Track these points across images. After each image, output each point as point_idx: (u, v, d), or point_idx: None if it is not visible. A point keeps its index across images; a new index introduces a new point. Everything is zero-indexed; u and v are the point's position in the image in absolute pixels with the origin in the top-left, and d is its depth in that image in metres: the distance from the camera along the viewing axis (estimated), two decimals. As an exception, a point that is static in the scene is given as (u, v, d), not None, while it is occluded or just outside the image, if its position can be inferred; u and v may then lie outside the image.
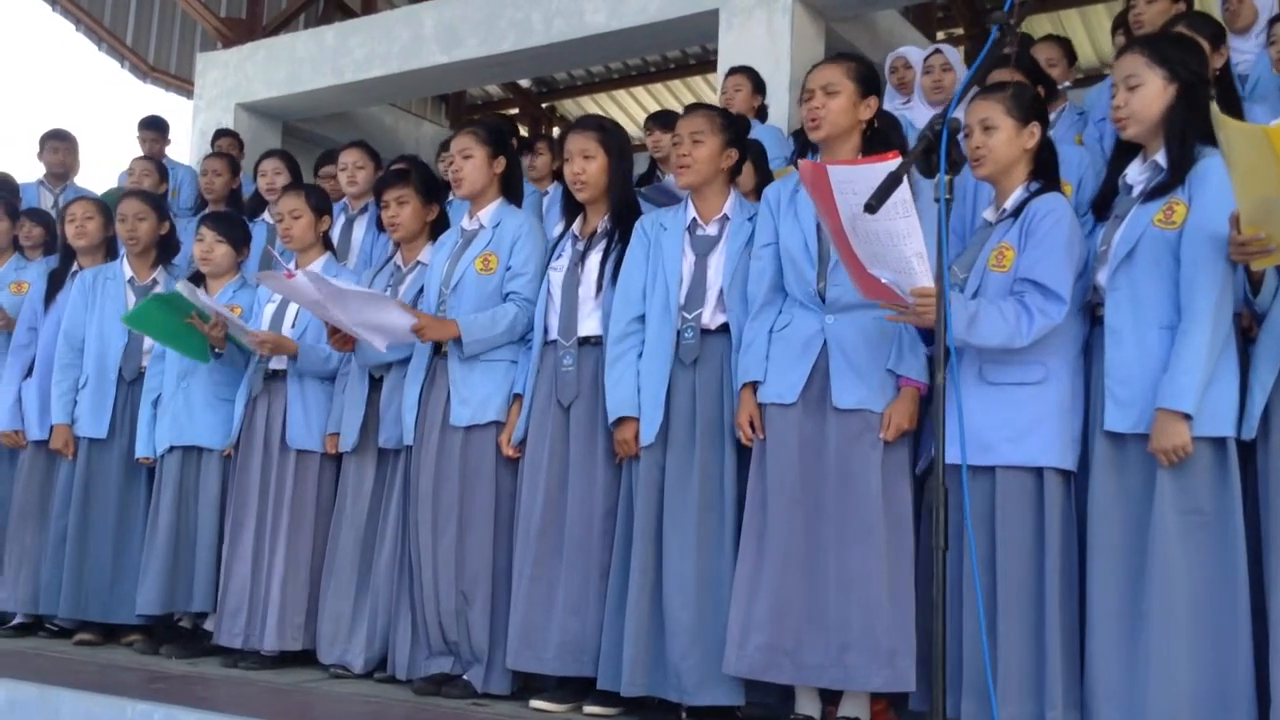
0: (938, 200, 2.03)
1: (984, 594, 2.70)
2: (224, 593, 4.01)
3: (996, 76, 4.00)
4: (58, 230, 5.49)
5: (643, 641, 3.13)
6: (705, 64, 10.44)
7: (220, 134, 7.11)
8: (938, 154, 2.02)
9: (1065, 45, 4.79)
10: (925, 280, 2.64)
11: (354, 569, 3.85)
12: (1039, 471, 2.75)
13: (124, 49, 9.15)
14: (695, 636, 3.06)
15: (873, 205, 2.00)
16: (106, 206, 4.72)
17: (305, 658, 4.02)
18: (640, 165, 5.28)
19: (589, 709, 3.25)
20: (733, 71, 5.29)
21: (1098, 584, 2.67)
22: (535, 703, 3.31)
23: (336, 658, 3.82)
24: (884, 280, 2.71)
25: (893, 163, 2.47)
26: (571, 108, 11.81)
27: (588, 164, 3.46)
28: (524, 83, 11.10)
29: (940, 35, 8.96)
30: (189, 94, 9.40)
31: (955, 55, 4.82)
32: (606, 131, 3.50)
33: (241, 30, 8.78)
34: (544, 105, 11.61)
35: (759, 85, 5.22)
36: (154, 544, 4.20)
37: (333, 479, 4.06)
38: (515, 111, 11.52)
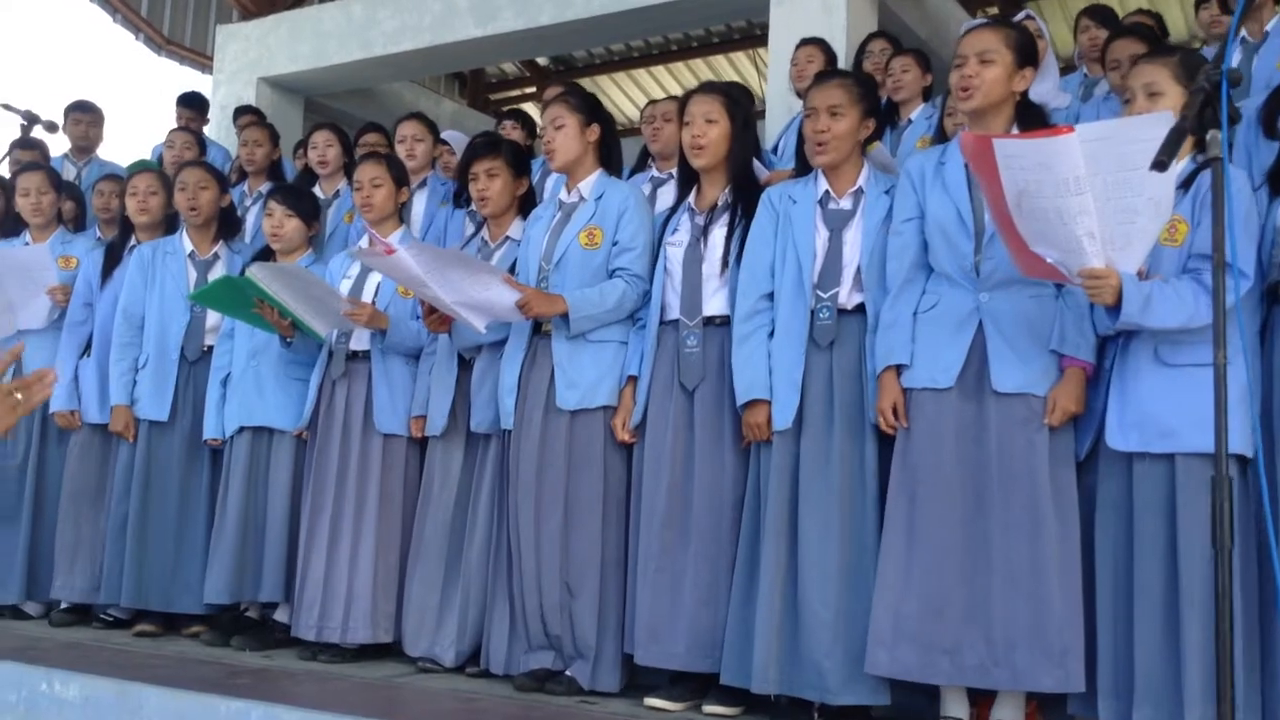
0: (1216, 158, 1.84)
1: (1163, 589, 2.55)
2: (302, 583, 3.81)
3: (1123, 49, 3.88)
4: (88, 204, 5.30)
5: (775, 637, 2.96)
6: (730, 42, 10.31)
7: (243, 110, 6.86)
8: (1216, 107, 1.84)
9: (1158, 20, 4.64)
10: (1095, 260, 2.49)
11: (441, 558, 3.67)
12: (1220, 458, 2.59)
13: (139, 20, 8.89)
14: (837, 633, 2.90)
15: (1163, 162, 1.83)
16: (169, 181, 4.50)
17: (385, 650, 3.85)
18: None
19: (709, 708, 3.08)
20: (804, 43, 5.11)
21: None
22: (650, 700, 3.15)
23: (424, 650, 3.64)
24: (1049, 260, 2.56)
25: (1065, 138, 2.32)
26: (590, 87, 11.59)
27: (709, 128, 3.27)
28: (542, 60, 10.90)
29: (978, 14, 8.81)
30: (204, 67, 9.18)
31: (1043, 23, 4.64)
32: (732, 97, 3.31)
33: (262, 2, 8.54)
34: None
35: (831, 57, 5.05)
36: (223, 530, 4.01)
37: (419, 464, 3.87)
38: (533, 90, 11.30)
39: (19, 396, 1.92)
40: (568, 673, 3.33)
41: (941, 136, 4.00)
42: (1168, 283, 2.60)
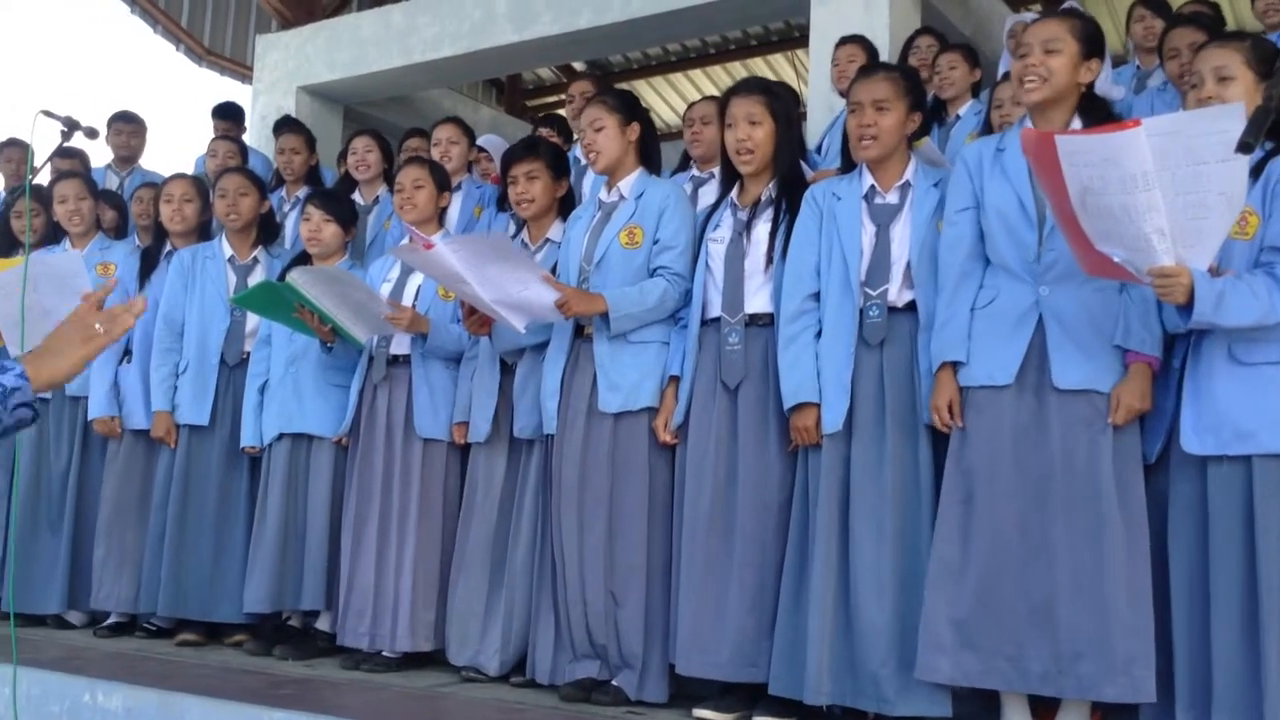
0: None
1: (1241, 596, 2.44)
2: (347, 591, 3.78)
3: (1183, 37, 3.77)
4: (130, 214, 5.29)
5: (828, 646, 2.86)
6: (768, 44, 10.21)
7: (281, 123, 6.79)
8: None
9: (1215, 9, 4.53)
10: (1165, 259, 2.38)
11: (485, 565, 3.62)
12: (1299, 460, 2.48)
13: (180, 31, 8.92)
14: (893, 641, 2.80)
15: (1249, 144, 1.73)
16: (205, 188, 4.49)
17: (429, 659, 3.80)
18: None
19: None
20: (845, 41, 5.02)
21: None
22: (699, 712, 3.07)
23: (468, 659, 3.59)
24: (1116, 259, 2.45)
25: (1132, 132, 2.23)
26: (627, 91, 11.55)
27: (754, 130, 3.18)
28: (579, 65, 10.86)
29: (1021, 10, 8.67)
30: (244, 77, 9.20)
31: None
32: (775, 94, 3.22)
33: (300, 11, 8.53)
34: (598, 89, 11.34)
35: (874, 55, 4.94)
36: (262, 538, 3.97)
37: (460, 469, 3.82)
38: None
39: (99, 328, 1.73)
40: (614, 682, 3.26)
41: (989, 132, 3.91)
42: (1240, 278, 2.48)
